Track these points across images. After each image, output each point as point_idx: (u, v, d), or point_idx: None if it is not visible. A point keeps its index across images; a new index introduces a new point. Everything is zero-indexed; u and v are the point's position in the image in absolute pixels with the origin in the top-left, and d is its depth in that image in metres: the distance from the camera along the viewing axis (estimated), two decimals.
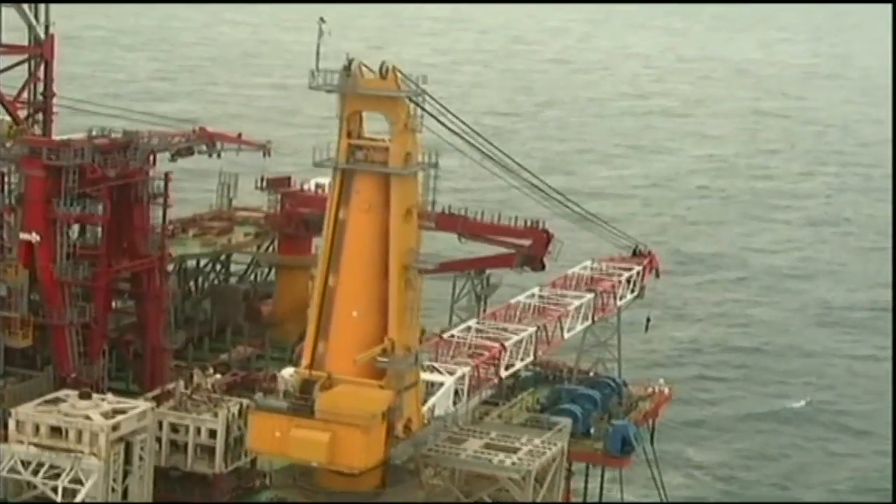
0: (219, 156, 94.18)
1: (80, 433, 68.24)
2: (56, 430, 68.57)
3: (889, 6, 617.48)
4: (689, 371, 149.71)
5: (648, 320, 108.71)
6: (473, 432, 72.48)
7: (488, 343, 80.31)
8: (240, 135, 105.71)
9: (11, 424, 68.95)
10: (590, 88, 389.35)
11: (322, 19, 63.93)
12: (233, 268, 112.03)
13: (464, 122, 68.14)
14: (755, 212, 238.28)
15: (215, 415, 74.49)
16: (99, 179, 78.29)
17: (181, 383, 78.98)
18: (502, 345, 79.59)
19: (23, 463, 67.76)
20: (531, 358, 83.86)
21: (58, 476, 67.18)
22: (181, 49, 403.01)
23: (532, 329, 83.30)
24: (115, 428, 68.63)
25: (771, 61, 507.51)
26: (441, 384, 73.20)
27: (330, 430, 62.71)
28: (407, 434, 66.54)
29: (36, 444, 68.31)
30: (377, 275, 65.97)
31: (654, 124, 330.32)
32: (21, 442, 68.61)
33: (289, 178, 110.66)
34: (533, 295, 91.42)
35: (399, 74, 64.15)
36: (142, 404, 72.01)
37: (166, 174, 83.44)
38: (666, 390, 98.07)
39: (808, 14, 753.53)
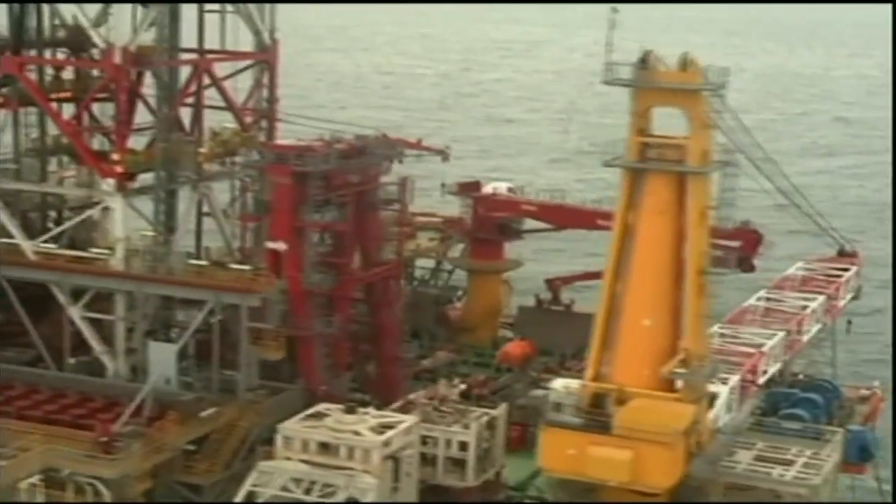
0: (400, 161, 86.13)
1: (351, 450, 60.07)
2: (324, 447, 60.41)
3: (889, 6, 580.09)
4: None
5: (850, 322, 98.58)
6: (739, 443, 63.39)
7: (742, 349, 70.74)
8: (420, 140, 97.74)
9: (279, 441, 60.81)
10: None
11: (615, 9, 54.92)
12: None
13: None
14: None
15: (466, 426, 66.06)
16: (343, 185, 69.89)
17: (421, 394, 71.01)
18: (761, 351, 69.96)
19: (293, 480, 59.29)
20: (780, 364, 74.10)
21: (331, 494, 58.59)
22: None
23: (782, 333, 73.63)
24: (386, 444, 60.19)
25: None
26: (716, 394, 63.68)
27: (631, 448, 54.10)
28: (698, 449, 57.41)
29: (305, 461, 60.12)
30: (669, 281, 57.30)
31: None
32: (289, 458, 60.40)
33: (478, 183, 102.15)
34: (761, 298, 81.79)
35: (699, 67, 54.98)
36: (407, 418, 63.42)
37: (404, 179, 74.91)
38: (879, 392, 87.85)
39: None
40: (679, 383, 57.34)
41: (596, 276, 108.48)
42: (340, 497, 58.53)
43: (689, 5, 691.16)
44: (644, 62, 55.12)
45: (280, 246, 68.56)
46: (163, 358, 68.10)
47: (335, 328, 69.98)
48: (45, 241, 71.23)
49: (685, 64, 54.89)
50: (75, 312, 69.33)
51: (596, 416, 55.88)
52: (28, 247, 70.66)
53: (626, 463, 53.98)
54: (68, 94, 76.34)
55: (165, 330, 69.10)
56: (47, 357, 70.24)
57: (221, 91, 75.96)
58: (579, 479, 56.90)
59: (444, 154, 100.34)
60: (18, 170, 74.57)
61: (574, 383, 61.82)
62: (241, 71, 78.72)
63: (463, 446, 65.64)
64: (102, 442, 56.77)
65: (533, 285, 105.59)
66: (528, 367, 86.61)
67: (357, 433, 60.87)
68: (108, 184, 68.69)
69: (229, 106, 76.41)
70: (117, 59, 67.34)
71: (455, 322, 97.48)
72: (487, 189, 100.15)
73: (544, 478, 70.91)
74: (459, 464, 65.97)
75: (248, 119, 77.59)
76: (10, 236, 71.10)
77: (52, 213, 78.59)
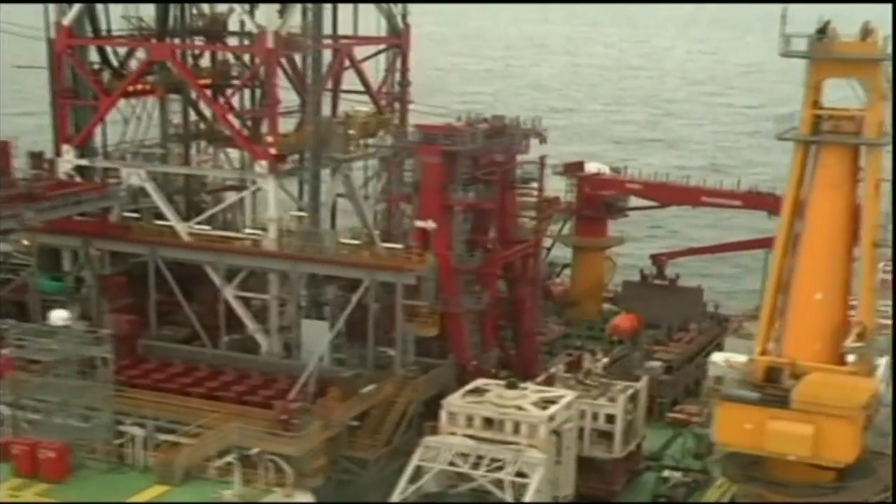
0: (542, 142, 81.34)
1: (517, 425, 56.39)
2: (489, 422, 56.76)
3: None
4: None
5: None
6: None
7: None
8: None
9: (443, 416, 57.13)
10: None
11: None
12: None
13: None
14: None
15: (611, 399, 62.39)
16: (488, 165, 66.00)
17: (561, 368, 67.15)
18: None
19: (460, 455, 55.45)
20: None
21: (498, 469, 54.79)
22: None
23: None
24: (551, 419, 56.36)
25: None
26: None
27: (813, 423, 49.91)
28: (868, 423, 53.09)
29: (470, 436, 56.31)
30: (841, 255, 52.96)
31: None
32: (453, 434, 56.58)
33: (582, 163, 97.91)
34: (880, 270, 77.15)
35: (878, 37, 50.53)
36: (567, 393, 59.56)
37: (541, 158, 70.87)
38: None
39: None
40: (851, 357, 53.01)
41: (699, 251, 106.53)
42: (509, 471, 54.74)
43: None
44: (822, 33, 50.62)
45: (429, 224, 64.87)
46: (316, 335, 64.67)
47: (483, 305, 66.08)
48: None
49: (866, 33, 50.36)
50: (229, 292, 65.78)
51: (773, 390, 51.43)
52: (182, 229, 67.22)
53: (809, 437, 50.05)
54: (207, 82, 72.84)
55: (317, 308, 65.32)
56: (203, 335, 66.81)
57: (360, 74, 72.32)
58: (752, 453, 52.65)
59: (541, 137, 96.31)
60: (165, 154, 71.12)
61: (735, 357, 57.84)
62: (374, 55, 74.62)
63: (610, 419, 62.41)
64: (282, 420, 53.08)
65: (632, 261, 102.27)
66: (637, 339, 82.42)
67: (521, 408, 57.16)
68: (261, 165, 65.01)
69: (367, 89, 72.60)
70: (269, 43, 63.44)
71: (558, 297, 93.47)
72: (590, 168, 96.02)
73: (677, 447, 67.85)
74: (605, 436, 62.67)
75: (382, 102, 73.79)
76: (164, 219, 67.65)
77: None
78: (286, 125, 69.99)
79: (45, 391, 50.31)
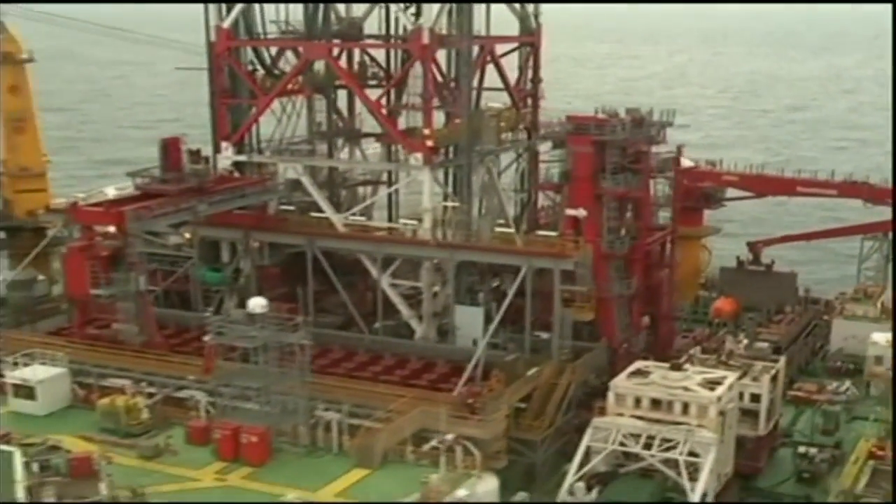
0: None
1: (686, 405, 52.37)
2: (656, 403, 52.81)
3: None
4: None
5: None
6: None
7: None
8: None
9: (610, 397, 53.31)
10: None
11: None
12: None
13: None
14: None
15: (754, 379, 58.38)
16: (633, 154, 62.06)
17: (698, 349, 63.08)
18: None
19: (631, 436, 51.58)
20: None
21: (669, 449, 50.77)
22: None
23: None
24: (719, 399, 52.25)
25: None
26: None
27: None
28: None
29: (638, 417, 52.38)
30: None
31: None
32: (621, 415, 52.65)
33: (679, 157, 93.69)
34: None
35: None
36: (729, 374, 55.47)
37: (678, 147, 66.80)
38: None
39: None
40: None
41: (794, 238, 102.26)
42: (681, 451, 50.72)
43: None
44: None
45: (580, 212, 61.01)
46: (470, 321, 61.14)
47: (633, 290, 62.15)
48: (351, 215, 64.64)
49: None
50: (385, 280, 62.17)
51: None
52: (337, 220, 63.65)
53: None
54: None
55: (471, 294, 61.63)
56: (360, 321, 63.28)
57: (500, 70, 68.35)
58: None
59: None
60: (312, 151, 67.63)
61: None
62: (508, 53, 70.75)
63: (755, 398, 58.22)
64: (468, 403, 49.38)
65: (727, 250, 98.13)
66: (739, 321, 78.32)
67: (688, 389, 53.09)
68: (416, 158, 61.34)
69: (505, 85, 68.69)
70: (425, 39, 59.71)
71: None
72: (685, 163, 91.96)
73: (804, 424, 63.82)
74: (749, 414, 58.46)
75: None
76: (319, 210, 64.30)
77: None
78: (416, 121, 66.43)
79: (246, 377, 46.74)
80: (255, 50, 66.85)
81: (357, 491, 44.48)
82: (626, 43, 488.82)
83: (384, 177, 73.05)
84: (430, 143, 60.74)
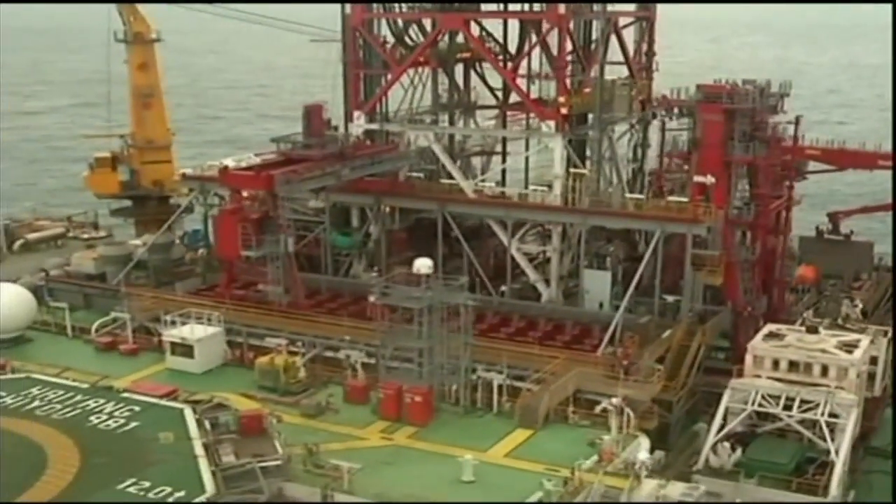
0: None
1: (825, 368, 48.30)
2: (794, 365, 48.70)
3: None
4: None
5: None
6: None
7: None
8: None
9: (748, 359, 49.40)
10: None
11: None
12: None
13: None
14: None
15: (871, 342, 53.64)
16: (760, 122, 57.56)
17: (809, 314, 58.81)
18: None
19: (770, 398, 47.54)
20: None
21: (808, 411, 46.81)
22: None
23: None
24: (857, 362, 48.38)
25: None
26: None
27: None
28: None
29: (776, 379, 48.37)
30: None
31: None
32: (758, 376, 48.55)
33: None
34: None
35: None
36: (863, 337, 51.32)
37: (797, 118, 62.09)
38: None
39: None
40: None
41: (874, 209, 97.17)
42: (823, 411, 46.61)
43: None
44: None
45: (708, 179, 56.62)
46: (597, 284, 57.19)
47: (756, 255, 57.82)
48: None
49: None
50: (514, 244, 58.33)
51: None
52: (467, 186, 59.78)
53: None
54: (467, 55, 65.31)
55: (598, 259, 57.64)
56: (489, 285, 59.54)
57: (622, 42, 63.84)
58: None
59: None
60: (435, 121, 63.82)
61: None
62: (627, 26, 66.11)
63: (873, 360, 53.66)
64: (626, 365, 45.49)
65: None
66: (821, 287, 73.79)
67: (825, 351, 48.93)
68: (548, 125, 57.25)
69: (626, 57, 64.22)
70: (562, 9, 55.45)
71: None
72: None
73: None
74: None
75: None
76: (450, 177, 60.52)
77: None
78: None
79: (411, 338, 43.08)
80: (389, 22, 62.83)
81: (525, 451, 40.91)
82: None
83: (498, 147, 69.54)
84: (564, 110, 56.61)
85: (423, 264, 43.17)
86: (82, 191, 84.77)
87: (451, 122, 66.11)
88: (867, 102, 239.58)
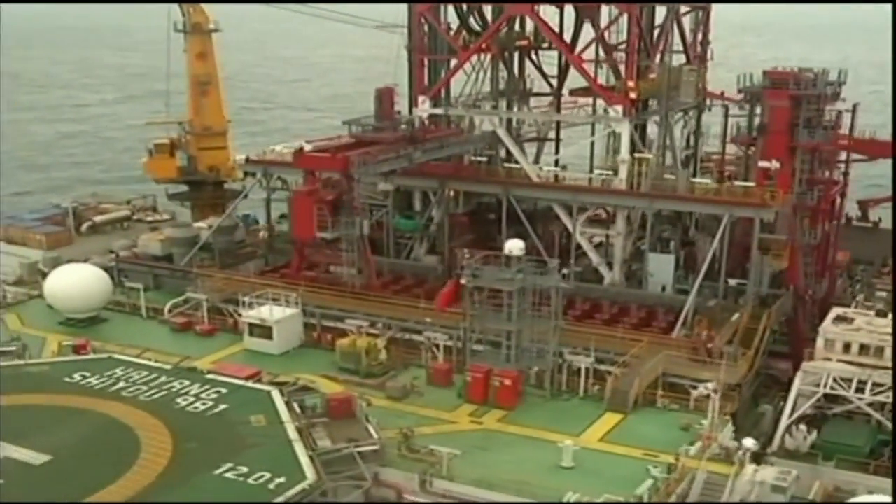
0: (709, 109, 68.51)
1: None
2: (865, 348, 45.58)
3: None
4: None
5: None
6: None
7: None
8: (722, 93, 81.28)
9: (819, 343, 46.10)
10: None
11: None
12: None
13: None
14: None
15: None
16: (821, 109, 53.92)
17: (861, 297, 55.49)
18: None
19: (842, 381, 44.13)
20: None
21: (880, 393, 43.48)
22: None
23: None
24: None
25: None
26: None
27: None
28: None
29: (846, 362, 45.15)
30: None
31: None
32: (829, 359, 45.19)
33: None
34: None
35: None
36: None
37: (854, 105, 58.47)
38: None
39: None
40: None
41: None
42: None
43: None
44: None
45: (773, 164, 53.03)
46: (661, 267, 53.81)
47: (818, 239, 54.31)
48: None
49: None
50: (578, 228, 54.86)
51: None
52: (531, 170, 56.31)
53: None
54: (524, 43, 61.69)
55: (662, 243, 54.20)
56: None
57: (682, 30, 60.25)
58: None
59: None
60: (496, 106, 60.19)
61: None
62: (686, 14, 62.26)
63: None
64: (708, 348, 42.11)
65: None
66: (852, 271, 70.31)
67: None
68: (616, 110, 53.69)
69: (684, 45, 60.54)
70: None
71: None
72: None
73: None
74: None
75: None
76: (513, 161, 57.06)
77: None
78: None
79: (501, 321, 39.71)
80: (456, 8, 59.18)
81: (619, 435, 37.67)
82: None
83: (551, 134, 66.04)
84: (633, 95, 53.06)
85: (514, 246, 39.75)
86: (136, 177, 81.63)
87: (509, 108, 62.67)
88: None
